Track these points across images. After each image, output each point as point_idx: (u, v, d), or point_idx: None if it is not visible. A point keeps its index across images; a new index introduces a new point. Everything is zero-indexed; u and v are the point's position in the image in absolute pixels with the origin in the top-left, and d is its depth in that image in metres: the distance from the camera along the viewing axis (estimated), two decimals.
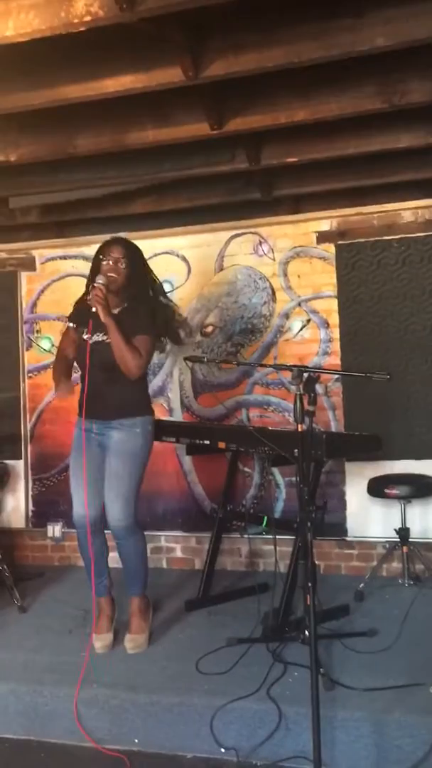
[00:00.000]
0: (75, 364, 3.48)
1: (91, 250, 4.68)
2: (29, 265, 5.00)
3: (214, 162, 3.54)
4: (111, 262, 3.28)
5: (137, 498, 3.36)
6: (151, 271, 3.53)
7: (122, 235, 4.50)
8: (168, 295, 3.76)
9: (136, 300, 3.36)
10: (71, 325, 3.45)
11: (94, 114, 3.05)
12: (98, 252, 3.37)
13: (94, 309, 3.17)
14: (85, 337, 3.30)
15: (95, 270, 3.34)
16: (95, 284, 3.22)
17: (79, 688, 2.91)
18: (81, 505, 3.35)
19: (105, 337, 3.27)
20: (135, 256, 3.37)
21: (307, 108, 2.95)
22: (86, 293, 3.35)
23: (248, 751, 2.68)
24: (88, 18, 2.20)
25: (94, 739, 2.83)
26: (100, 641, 3.37)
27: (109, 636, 3.42)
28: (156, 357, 3.98)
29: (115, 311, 3.30)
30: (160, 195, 4.13)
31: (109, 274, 3.26)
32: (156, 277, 3.57)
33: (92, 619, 3.46)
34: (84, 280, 3.55)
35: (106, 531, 3.43)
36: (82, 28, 2.24)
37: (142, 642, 3.39)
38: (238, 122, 3.05)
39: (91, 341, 3.28)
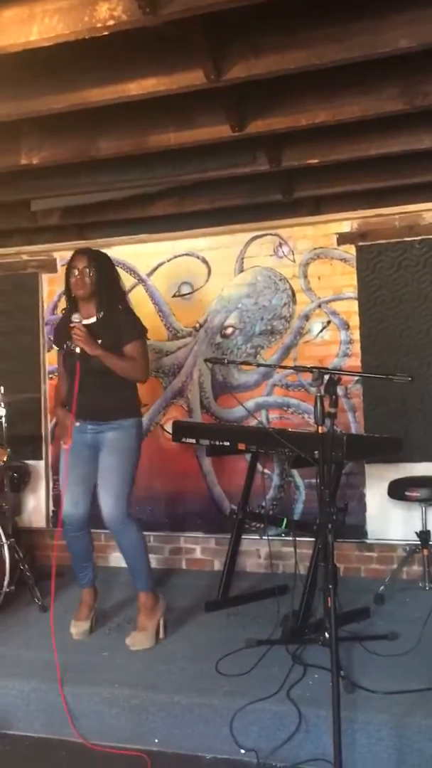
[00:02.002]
0: (64, 371, 3.58)
1: (112, 251, 4.74)
2: (50, 266, 5.04)
3: (235, 164, 3.54)
4: (77, 274, 3.38)
5: (130, 493, 3.45)
6: (119, 278, 3.62)
7: (142, 237, 4.60)
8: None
9: (110, 307, 3.43)
10: (57, 348, 3.55)
11: (117, 117, 3.07)
12: (67, 266, 3.46)
13: (78, 350, 3.30)
14: (71, 347, 3.36)
15: (66, 284, 3.45)
16: (73, 323, 3.31)
17: (59, 686, 2.92)
18: (71, 504, 3.47)
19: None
20: (102, 265, 3.45)
21: (329, 110, 2.95)
22: (65, 309, 3.51)
23: (268, 752, 2.68)
24: (111, 22, 2.22)
25: (115, 739, 2.85)
26: (76, 628, 3.55)
27: (86, 624, 3.58)
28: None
29: (92, 320, 3.40)
30: (181, 197, 4.14)
31: (77, 291, 3.39)
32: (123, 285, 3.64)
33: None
34: None
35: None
36: (106, 32, 2.26)
37: (141, 639, 3.41)
38: (259, 124, 3.05)
39: (77, 351, 3.34)
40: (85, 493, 3.48)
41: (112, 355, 3.33)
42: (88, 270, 3.37)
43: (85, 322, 3.38)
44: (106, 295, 3.44)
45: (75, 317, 3.35)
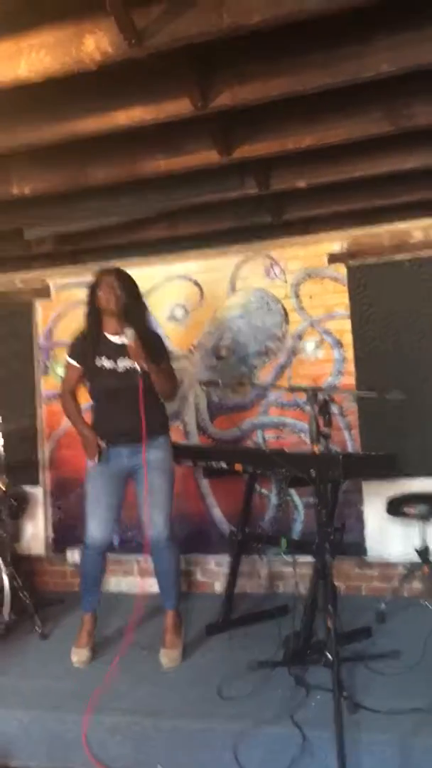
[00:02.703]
0: (89, 392, 3.59)
1: None
2: (44, 292, 5.07)
3: (224, 188, 3.59)
4: (107, 288, 3.41)
5: (172, 511, 3.56)
6: (143, 297, 3.61)
7: (135, 261, 4.62)
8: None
9: (139, 326, 3.44)
10: (73, 362, 3.54)
11: (106, 146, 3.11)
12: (92, 286, 3.48)
13: (122, 366, 3.38)
14: (106, 366, 3.40)
15: (92, 303, 3.46)
16: (129, 342, 3.32)
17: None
18: (98, 530, 3.50)
19: (131, 363, 3.38)
20: (128, 283, 3.48)
21: (314, 134, 3.00)
22: (85, 329, 3.52)
23: None
24: (98, 56, 2.27)
25: (118, 766, 2.83)
26: (78, 655, 3.53)
27: (87, 651, 3.55)
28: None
29: (121, 339, 3.40)
30: (172, 221, 4.18)
31: (107, 306, 3.41)
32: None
33: (77, 633, 3.61)
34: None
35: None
36: (93, 66, 2.29)
37: (176, 657, 3.47)
38: (246, 149, 3.10)
39: (119, 369, 3.40)
40: (114, 518, 3.56)
41: (157, 368, 3.39)
42: (116, 285, 3.40)
43: (116, 339, 3.41)
44: (134, 312, 3.45)
45: (129, 333, 3.32)
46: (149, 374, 3.37)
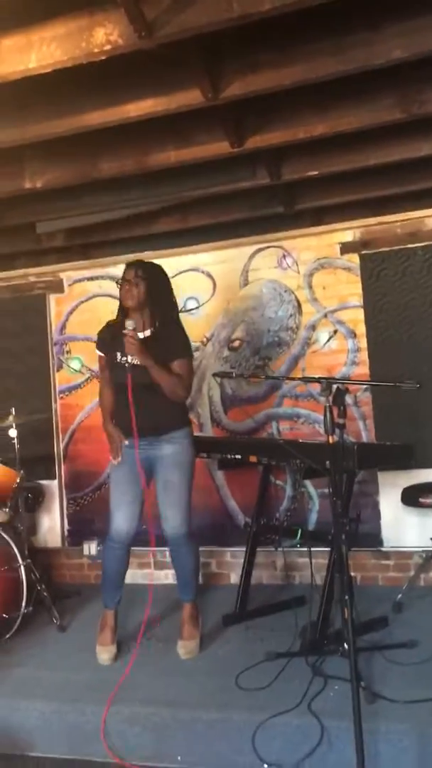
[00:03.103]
0: (108, 380, 3.57)
1: (117, 269, 4.77)
2: (57, 287, 5.08)
3: (236, 179, 3.58)
4: (127, 286, 3.37)
5: (190, 506, 3.51)
6: (172, 292, 3.55)
7: (147, 254, 4.62)
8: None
9: (163, 321, 3.41)
10: (99, 353, 3.54)
11: (117, 138, 3.11)
12: (120, 280, 3.47)
13: (131, 359, 3.30)
14: (121, 360, 3.38)
15: (120, 298, 3.45)
16: (125, 332, 3.28)
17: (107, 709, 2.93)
18: (125, 522, 3.47)
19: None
20: (154, 277, 3.41)
21: (326, 122, 2.98)
22: (115, 320, 3.48)
23: (291, 766, 2.67)
24: (108, 47, 2.26)
25: (137, 757, 2.84)
26: (107, 653, 3.49)
27: (114, 648, 3.52)
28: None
29: (146, 333, 3.39)
30: (184, 213, 4.18)
31: (126, 302, 3.38)
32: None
33: (99, 629, 3.59)
34: (110, 300, 3.61)
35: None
36: (103, 57, 2.30)
37: (193, 648, 3.48)
38: (258, 139, 3.09)
39: (130, 362, 3.35)
40: (137, 512, 3.49)
41: (160, 368, 3.31)
42: (137, 282, 3.35)
43: (141, 334, 3.37)
44: (158, 308, 3.41)
45: (129, 324, 3.29)
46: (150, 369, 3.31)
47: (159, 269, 3.49)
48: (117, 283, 3.47)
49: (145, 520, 3.50)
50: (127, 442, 3.46)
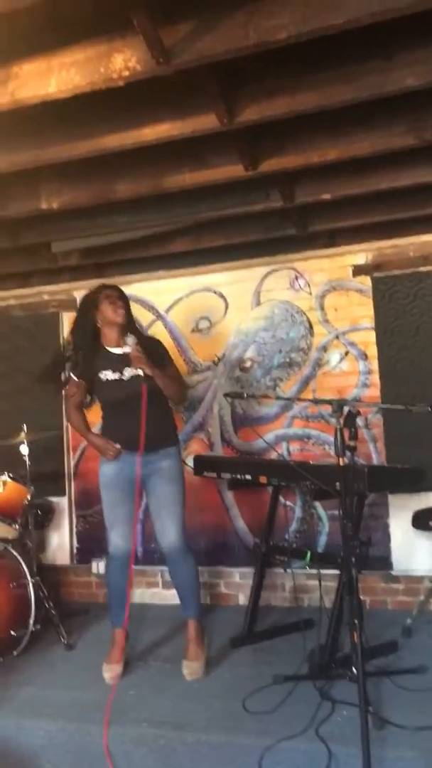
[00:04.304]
0: (100, 403, 3.64)
1: (131, 289, 4.81)
2: (71, 305, 5.10)
3: (250, 202, 3.61)
4: (113, 303, 3.48)
5: (185, 520, 3.54)
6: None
7: (160, 273, 4.68)
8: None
9: (137, 333, 3.57)
10: (74, 377, 3.58)
11: (133, 160, 3.15)
12: (89, 302, 3.54)
13: (140, 372, 3.36)
14: (113, 377, 3.44)
15: (85, 318, 3.53)
16: (128, 348, 3.38)
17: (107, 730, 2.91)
18: (121, 538, 3.51)
19: (134, 371, 3.41)
20: (124, 296, 3.58)
21: (339, 147, 3.01)
22: (73, 343, 3.57)
23: None
24: (126, 73, 2.30)
25: None
26: (110, 671, 3.48)
27: (119, 667, 3.51)
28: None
29: (122, 350, 3.46)
30: (198, 234, 4.21)
31: (117, 319, 3.47)
32: None
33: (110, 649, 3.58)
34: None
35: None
36: (121, 83, 2.33)
37: (198, 668, 3.46)
38: (272, 163, 3.12)
39: (125, 378, 3.41)
40: (131, 528, 3.55)
41: (164, 374, 3.43)
42: (120, 301, 3.50)
43: (118, 350, 3.47)
44: (133, 323, 3.61)
45: (130, 340, 3.40)
46: (154, 380, 3.38)
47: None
48: (92, 304, 3.51)
49: (154, 539, 3.50)
50: (118, 446, 3.49)
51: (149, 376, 3.37)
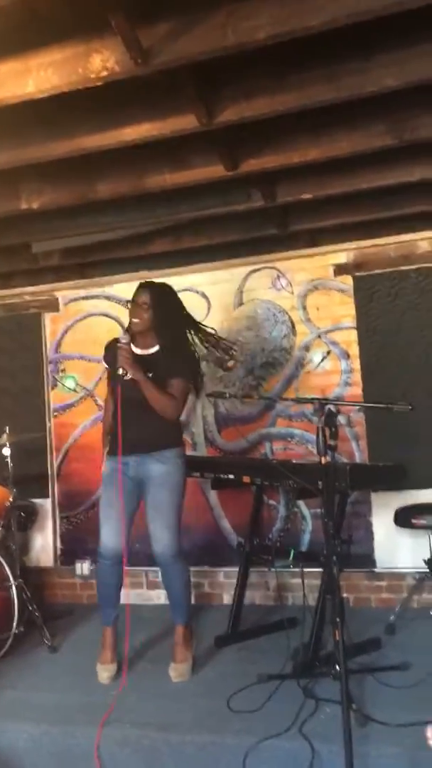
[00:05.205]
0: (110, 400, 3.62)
1: (113, 289, 4.81)
2: (53, 306, 5.10)
3: (231, 202, 3.61)
4: (136, 306, 3.44)
5: (180, 527, 3.48)
6: (188, 315, 3.61)
7: (142, 274, 4.65)
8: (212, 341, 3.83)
9: (168, 342, 3.45)
10: (106, 365, 3.57)
11: (113, 161, 3.14)
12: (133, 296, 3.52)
13: (121, 371, 3.33)
14: (119, 372, 3.40)
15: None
16: (120, 344, 3.37)
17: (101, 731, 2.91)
18: (111, 537, 3.46)
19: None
20: (162, 300, 3.46)
21: (319, 147, 3.02)
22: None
23: None
24: (104, 73, 2.29)
25: None
26: (107, 671, 3.47)
27: (113, 667, 3.50)
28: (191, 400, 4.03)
29: (150, 351, 3.45)
30: (179, 234, 4.21)
31: (132, 319, 3.44)
32: (196, 322, 3.68)
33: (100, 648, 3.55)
34: (105, 320, 3.63)
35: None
36: (99, 83, 2.32)
37: (184, 671, 3.46)
38: (252, 163, 3.12)
39: (125, 377, 3.38)
40: (126, 527, 3.48)
41: (151, 384, 3.34)
42: (147, 305, 3.41)
43: (141, 351, 3.45)
44: (165, 330, 3.45)
45: (123, 337, 3.39)
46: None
47: (167, 289, 3.54)
48: (126, 303, 3.48)
49: (137, 539, 3.49)
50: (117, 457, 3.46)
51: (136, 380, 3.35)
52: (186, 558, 3.56)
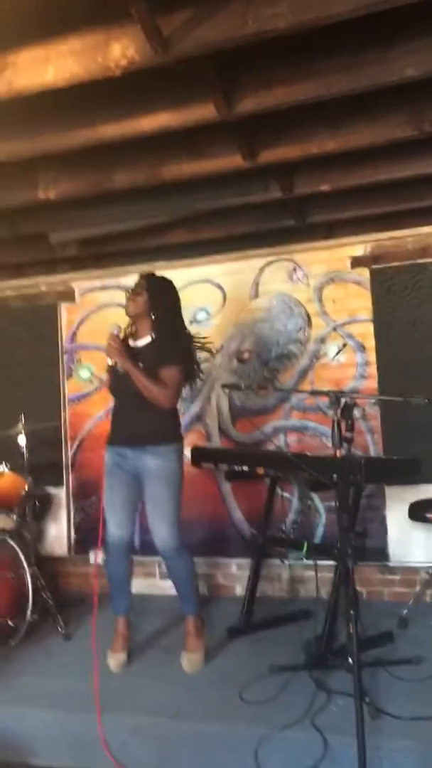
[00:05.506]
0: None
1: (129, 280, 4.79)
2: (69, 296, 5.11)
3: (248, 193, 3.60)
4: (130, 295, 3.47)
5: (179, 520, 3.47)
6: (178, 305, 3.59)
7: (159, 264, 4.65)
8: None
9: (162, 332, 3.45)
10: (110, 361, 3.56)
11: (131, 151, 3.13)
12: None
13: (110, 362, 3.36)
14: (110, 364, 3.43)
15: None
16: (110, 335, 3.39)
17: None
18: (116, 527, 3.50)
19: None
20: (158, 290, 3.48)
21: (338, 138, 2.99)
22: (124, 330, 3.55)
23: None
24: (124, 62, 2.29)
25: None
26: (115, 659, 3.51)
27: (123, 655, 3.54)
28: (188, 390, 4.03)
29: (143, 342, 3.47)
30: (196, 225, 4.19)
31: (127, 304, 3.48)
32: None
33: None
34: (120, 310, 3.63)
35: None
36: (119, 73, 2.32)
37: (197, 660, 3.47)
38: (271, 154, 3.10)
39: (122, 372, 3.39)
40: (129, 517, 3.54)
41: (141, 374, 3.33)
42: (141, 292, 3.44)
43: (135, 343, 3.47)
44: (159, 319, 3.45)
45: (113, 328, 3.40)
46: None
47: (164, 281, 3.54)
48: (126, 292, 3.50)
49: (148, 529, 3.50)
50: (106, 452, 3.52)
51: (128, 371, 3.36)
52: (189, 549, 3.55)
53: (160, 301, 3.47)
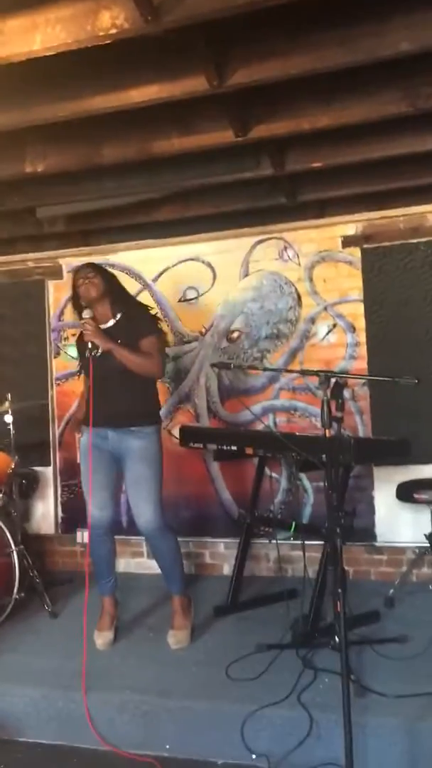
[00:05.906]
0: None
1: (117, 257, 4.76)
2: (56, 273, 5.05)
3: (239, 169, 3.54)
4: (85, 281, 3.47)
5: (162, 499, 3.49)
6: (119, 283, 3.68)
7: (147, 242, 4.61)
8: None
9: (125, 307, 3.52)
10: (74, 356, 3.57)
11: (120, 124, 3.07)
12: (73, 281, 3.57)
13: (90, 346, 3.35)
14: (89, 348, 3.39)
15: (75, 296, 3.53)
16: (83, 320, 3.40)
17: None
18: (98, 508, 3.49)
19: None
20: (107, 273, 3.58)
21: (331, 114, 2.95)
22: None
23: (279, 757, 2.68)
24: (113, 30, 2.23)
25: (126, 745, 2.85)
26: (101, 638, 3.53)
27: (110, 634, 3.56)
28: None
29: (110, 323, 3.47)
30: (186, 202, 4.14)
31: (83, 293, 3.47)
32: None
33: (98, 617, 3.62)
34: None
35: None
36: (108, 41, 2.26)
37: (183, 638, 3.49)
38: (262, 129, 3.05)
39: (96, 354, 3.37)
40: (111, 497, 3.55)
41: (125, 349, 3.35)
42: (93, 276, 3.47)
43: (103, 326, 3.44)
44: (117, 296, 3.54)
45: (85, 313, 3.41)
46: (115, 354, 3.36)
47: (104, 267, 3.66)
48: (74, 289, 3.54)
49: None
50: (83, 435, 3.50)
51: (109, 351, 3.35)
52: (172, 529, 3.56)
53: (114, 282, 3.57)
